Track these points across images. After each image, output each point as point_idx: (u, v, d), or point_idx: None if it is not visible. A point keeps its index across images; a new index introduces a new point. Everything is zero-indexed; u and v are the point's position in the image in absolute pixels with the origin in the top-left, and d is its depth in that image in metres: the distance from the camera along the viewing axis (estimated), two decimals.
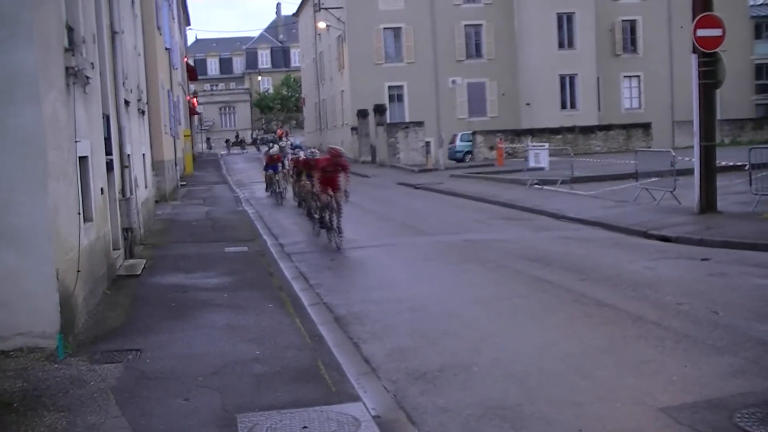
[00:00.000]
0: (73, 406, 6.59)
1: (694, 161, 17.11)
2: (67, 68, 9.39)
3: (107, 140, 12.86)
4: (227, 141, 78.20)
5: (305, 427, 6.00)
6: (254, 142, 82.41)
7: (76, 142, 9.56)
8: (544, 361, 7.68)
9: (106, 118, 12.92)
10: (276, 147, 34.02)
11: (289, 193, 26.68)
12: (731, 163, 21.05)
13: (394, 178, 35.18)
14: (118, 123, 13.87)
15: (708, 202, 16.75)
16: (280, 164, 28.21)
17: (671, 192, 18.90)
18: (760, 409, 6.10)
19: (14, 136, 8.02)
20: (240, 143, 79.47)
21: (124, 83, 14.68)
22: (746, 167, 18.57)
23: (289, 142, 35.68)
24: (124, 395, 6.86)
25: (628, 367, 7.36)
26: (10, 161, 8.05)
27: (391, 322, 9.65)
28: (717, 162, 17.34)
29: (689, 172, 17.93)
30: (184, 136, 42.52)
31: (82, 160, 10.20)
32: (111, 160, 13.08)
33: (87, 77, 10.60)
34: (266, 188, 29.81)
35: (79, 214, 9.47)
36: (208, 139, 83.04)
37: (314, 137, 63.50)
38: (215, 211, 24.07)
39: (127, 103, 15.14)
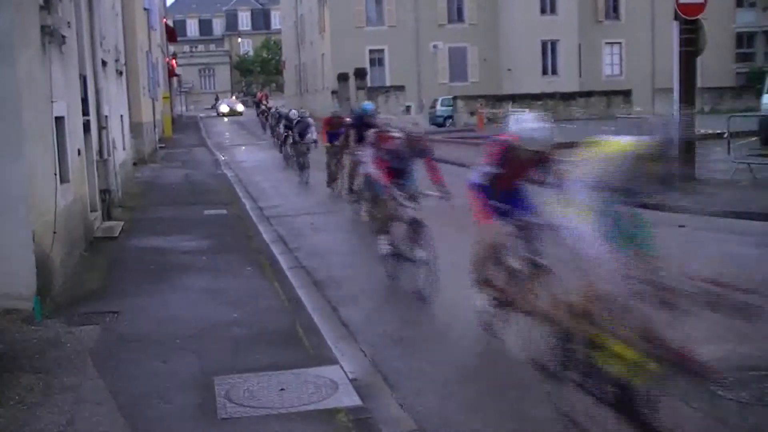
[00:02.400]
0: (51, 367, 6.57)
1: None
2: (42, 27, 9.23)
3: (84, 101, 12.70)
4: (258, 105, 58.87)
5: (282, 389, 6.03)
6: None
7: (52, 102, 9.45)
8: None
9: (83, 79, 12.75)
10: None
11: None
12: (710, 131, 21.15)
13: None
14: (95, 84, 13.70)
15: (687, 170, 16.82)
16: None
17: None
18: (733, 374, 6.17)
19: None
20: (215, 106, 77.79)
21: (101, 43, 14.49)
22: (725, 135, 18.66)
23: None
24: (101, 357, 6.85)
25: None
26: None
27: (371, 287, 9.68)
28: (696, 130, 17.39)
29: None
30: (163, 98, 42.08)
31: (59, 120, 10.08)
32: (88, 121, 12.93)
33: (63, 36, 10.45)
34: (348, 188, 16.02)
35: (55, 175, 9.38)
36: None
37: (294, 101, 63.05)
38: (194, 173, 23.93)
39: (104, 63, 14.95)
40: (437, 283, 8.53)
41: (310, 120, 21.74)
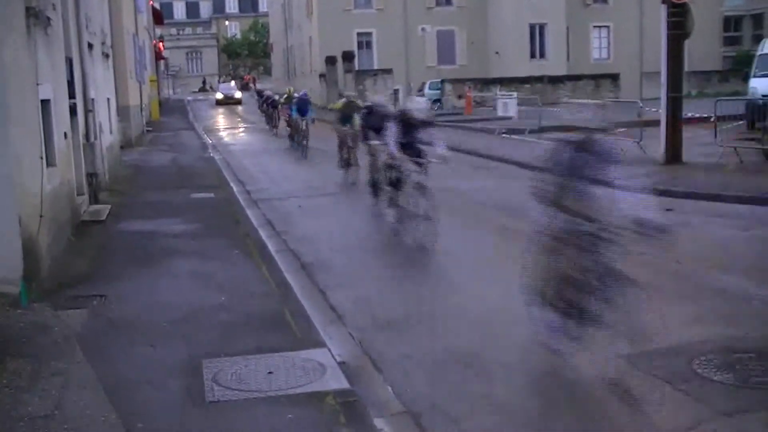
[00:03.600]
0: (38, 352, 6.55)
1: (661, 112, 17.21)
2: (27, 8, 9.15)
3: (70, 84, 12.62)
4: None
5: (270, 373, 6.03)
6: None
7: (37, 85, 9.38)
8: (509, 306, 7.75)
9: (69, 62, 12.66)
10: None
11: None
12: (697, 115, 21.19)
13: None
14: (81, 67, 13.59)
15: (673, 153, 16.89)
16: None
17: (638, 142, 19.00)
18: (717, 356, 6.23)
19: None
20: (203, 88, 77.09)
21: (87, 26, 14.38)
22: (712, 119, 18.72)
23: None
24: (89, 341, 6.84)
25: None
26: None
27: (359, 270, 9.68)
28: (683, 113, 17.45)
29: (656, 123, 18.03)
30: (150, 81, 41.85)
31: (45, 103, 10.01)
32: (74, 105, 12.85)
33: (48, 19, 10.36)
34: None
35: (41, 158, 9.32)
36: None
37: (282, 84, 62.83)
38: (182, 157, 23.84)
39: (90, 46, 14.84)
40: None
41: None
